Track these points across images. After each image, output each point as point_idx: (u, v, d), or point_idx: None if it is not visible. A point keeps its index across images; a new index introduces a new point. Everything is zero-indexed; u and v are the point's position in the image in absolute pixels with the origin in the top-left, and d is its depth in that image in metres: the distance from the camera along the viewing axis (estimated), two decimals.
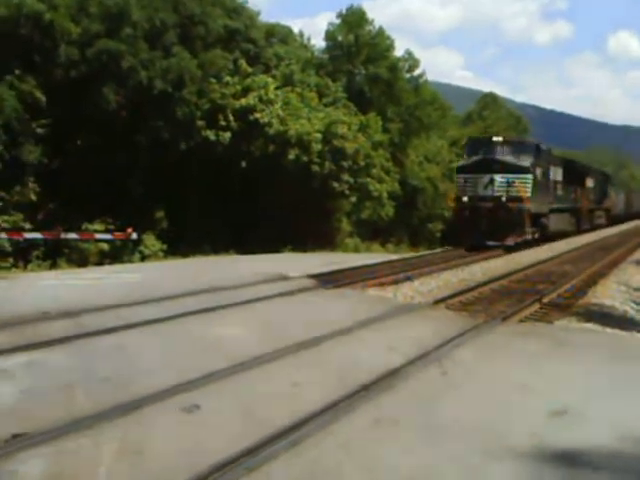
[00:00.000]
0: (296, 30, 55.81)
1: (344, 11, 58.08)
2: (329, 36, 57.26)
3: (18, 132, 31.74)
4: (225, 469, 5.64)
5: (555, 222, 35.24)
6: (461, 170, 31.75)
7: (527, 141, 33.11)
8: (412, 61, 61.19)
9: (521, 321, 13.40)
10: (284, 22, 61.31)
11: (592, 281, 19.34)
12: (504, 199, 29.07)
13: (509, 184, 29.16)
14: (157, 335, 10.93)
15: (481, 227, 29.15)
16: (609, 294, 17.17)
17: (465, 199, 30.03)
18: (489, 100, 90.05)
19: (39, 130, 32.63)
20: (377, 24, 58.24)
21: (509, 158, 30.00)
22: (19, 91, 31.76)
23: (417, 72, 61.82)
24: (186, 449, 6.17)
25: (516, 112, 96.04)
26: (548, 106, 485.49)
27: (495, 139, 31.33)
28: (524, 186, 29.39)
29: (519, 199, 29.08)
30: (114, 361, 9.15)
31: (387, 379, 8.40)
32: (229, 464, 5.70)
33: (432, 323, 12.63)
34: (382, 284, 17.74)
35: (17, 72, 31.98)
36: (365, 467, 5.99)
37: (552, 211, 34.34)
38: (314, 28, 73.21)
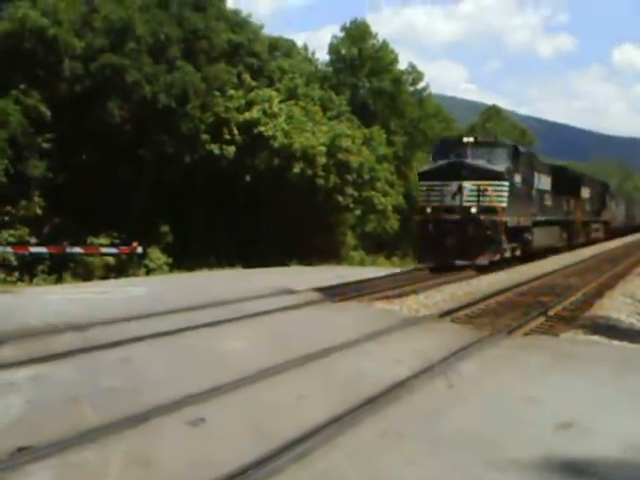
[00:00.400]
0: (300, 43, 56.14)
1: (348, 24, 58.40)
2: (333, 49, 57.59)
3: (23, 146, 31.94)
4: None
5: (540, 237, 31.12)
6: (424, 176, 27.34)
7: (503, 142, 28.41)
8: (416, 74, 61.59)
9: (526, 334, 13.37)
10: (288, 36, 61.45)
11: (598, 293, 19.29)
12: (474, 210, 24.87)
13: (480, 193, 24.85)
14: (163, 348, 10.93)
15: (447, 243, 24.86)
16: (615, 306, 17.10)
17: (428, 210, 25.75)
18: (493, 113, 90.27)
19: (44, 145, 32.78)
20: (381, 37, 58.63)
21: (481, 162, 25.47)
22: (24, 105, 31.93)
23: (421, 85, 62.32)
24: (193, 462, 6.16)
25: (520, 125, 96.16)
26: (552, 119, 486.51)
27: (465, 140, 26.71)
28: (498, 195, 25.17)
29: (492, 210, 24.91)
30: (120, 374, 9.15)
31: (393, 392, 8.38)
32: (236, 477, 5.68)
33: (438, 336, 12.61)
34: (388, 297, 17.72)
35: (22, 87, 32.13)
36: (371, 479, 5.98)
37: (537, 224, 30.32)
38: (318, 42, 73.74)
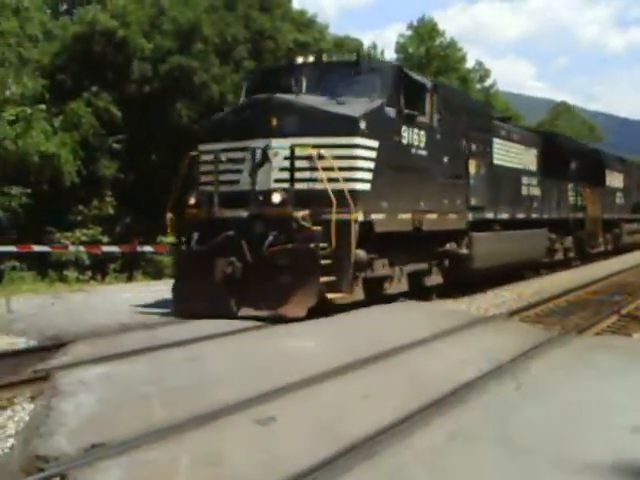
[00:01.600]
0: (367, 42, 56.16)
1: (415, 23, 58.18)
2: (400, 48, 57.37)
3: (95, 148, 32.49)
4: None
5: (494, 248, 18.53)
6: (205, 134, 14.95)
7: (374, 63, 17.10)
8: (483, 71, 61.09)
9: (597, 334, 13.15)
10: (355, 35, 61.58)
11: None
12: (278, 199, 12.65)
13: (304, 162, 12.85)
14: (231, 347, 10.99)
15: (219, 273, 12.87)
16: None
17: (192, 202, 13.96)
18: (561, 109, 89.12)
19: (115, 146, 33.32)
20: (448, 35, 58.27)
21: (315, 101, 13.66)
22: (95, 107, 32.49)
23: (488, 82, 61.58)
24: (262, 461, 6.17)
25: (589, 121, 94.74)
26: (622, 114, 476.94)
27: (301, 60, 15.17)
28: (350, 166, 12.91)
29: (323, 199, 12.35)
30: (189, 373, 9.21)
31: (461, 392, 8.31)
32: (306, 475, 5.69)
33: (506, 335, 12.47)
34: (454, 295, 17.54)
35: (94, 89, 32.70)
36: None
37: (482, 225, 18.15)
38: (384, 40, 73.41)
